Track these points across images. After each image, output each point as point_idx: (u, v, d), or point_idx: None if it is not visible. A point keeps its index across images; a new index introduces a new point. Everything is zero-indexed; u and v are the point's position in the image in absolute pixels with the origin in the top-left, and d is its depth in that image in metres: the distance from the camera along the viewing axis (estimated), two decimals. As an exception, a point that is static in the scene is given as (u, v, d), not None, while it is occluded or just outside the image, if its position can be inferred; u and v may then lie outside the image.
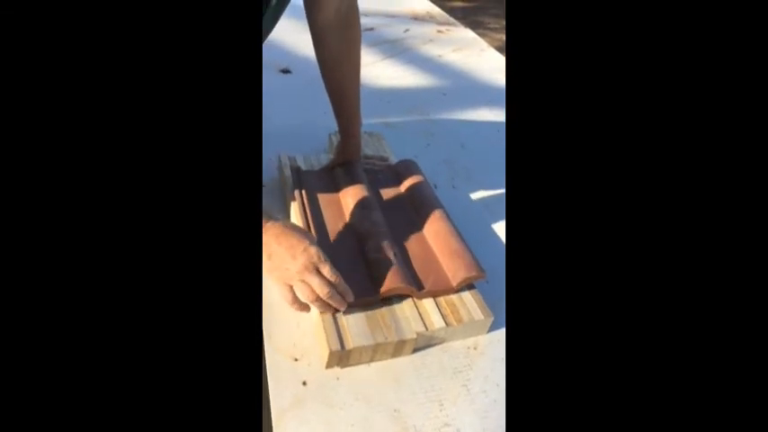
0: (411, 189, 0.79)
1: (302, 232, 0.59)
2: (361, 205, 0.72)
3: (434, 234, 0.71)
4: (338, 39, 0.75)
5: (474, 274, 0.64)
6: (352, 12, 0.75)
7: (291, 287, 0.56)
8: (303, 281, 0.55)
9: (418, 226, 0.73)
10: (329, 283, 0.56)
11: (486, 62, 1.41)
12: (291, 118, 1.03)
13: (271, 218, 0.57)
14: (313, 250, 0.56)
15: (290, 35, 1.04)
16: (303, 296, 0.56)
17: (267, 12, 0.59)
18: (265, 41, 0.61)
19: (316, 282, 0.55)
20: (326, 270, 0.56)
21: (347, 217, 0.72)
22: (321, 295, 0.55)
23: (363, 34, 0.78)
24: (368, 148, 0.90)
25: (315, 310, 0.60)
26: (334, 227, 0.70)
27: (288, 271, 0.55)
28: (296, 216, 0.72)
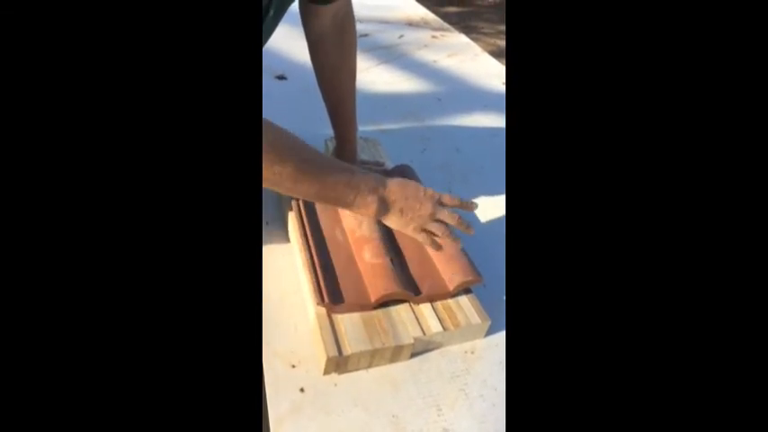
0: (407, 194, 0.79)
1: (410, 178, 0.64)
2: (357, 210, 0.72)
3: (431, 239, 0.71)
4: (335, 45, 0.75)
5: (471, 278, 0.64)
6: (348, 18, 0.75)
7: (428, 231, 0.60)
8: (436, 219, 0.60)
9: (415, 231, 0.73)
10: (452, 210, 0.62)
11: (481, 67, 1.41)
12: (287, 124, 1.02)
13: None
14: (430, 190, 0.61)
15: (286, 41, 1.04)
16: (439, 233, 0.60)
17: (265, 22, 0.59)
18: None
19: (445, 214, 0.61)
20: (447, 199, 0.62)
21: (343, 222, 0.72)
22: (452, 222, 0.61)
23: (358, 40, 0.78)
24: (364, 154, 0.90)
25: (312, 314, 0.60)
26: (330, 232, 0.70)
27: (422, 217, 0.60)
28: (292, 221, 0.72)
